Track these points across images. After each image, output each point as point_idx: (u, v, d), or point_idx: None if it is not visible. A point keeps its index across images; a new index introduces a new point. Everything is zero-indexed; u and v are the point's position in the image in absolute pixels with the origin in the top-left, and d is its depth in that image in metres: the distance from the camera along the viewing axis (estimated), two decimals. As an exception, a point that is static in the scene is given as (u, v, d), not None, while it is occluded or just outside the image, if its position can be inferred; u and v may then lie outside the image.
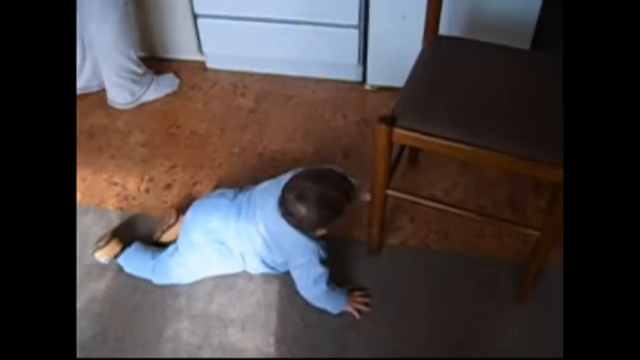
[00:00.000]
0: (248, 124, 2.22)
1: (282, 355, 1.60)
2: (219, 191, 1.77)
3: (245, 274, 1.74)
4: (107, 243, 1.74)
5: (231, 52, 2.39)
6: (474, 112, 1.42)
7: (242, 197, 1.67)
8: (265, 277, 1.74)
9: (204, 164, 2.07)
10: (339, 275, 1.73)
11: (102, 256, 1.75)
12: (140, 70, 2.25)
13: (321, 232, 1.57)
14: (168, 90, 2.34)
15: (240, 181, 1.98)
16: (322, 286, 1.60)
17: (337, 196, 1.52)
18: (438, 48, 1.62)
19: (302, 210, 1.50)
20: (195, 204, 1.74)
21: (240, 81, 2.40)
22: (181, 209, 1.82)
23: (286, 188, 1.54)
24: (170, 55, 2.46)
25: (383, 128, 1.43)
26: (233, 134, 2.18)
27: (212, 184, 2.00)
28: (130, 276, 1.74)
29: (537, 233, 1.51)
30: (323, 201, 1.50)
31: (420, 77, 1.54)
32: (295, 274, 1.63)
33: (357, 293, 1.68)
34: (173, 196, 1.97)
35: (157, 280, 1.72)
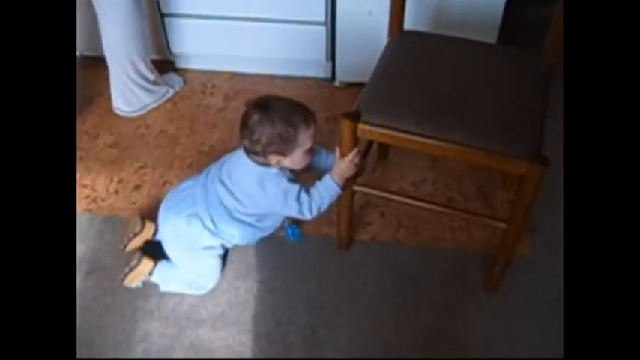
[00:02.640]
0: (217, 123, 2.21)
1: (255, 354, 1.60)
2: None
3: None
4: (139, 262, 1.68)
5: (199, 51, 2.38)
6: (439, 106, 1.42)
7: (211, 167, 1.68)
8: (236, 274, 1.74)
9: (174, 164, 2.07)
10: (308, 271, 1.74)
11: (136, 277, 1.68)
12: (152, 77, 2.22)
13: (275, 158, 1.50)
14: (177, 88, 2.35)
15: (210, 180, 1.98)
16: (306, 197, 1.54)
17: (289, 109, 1.49)
18: (402, 43, 1.63)
19: (255, 118, 1.46)
20: (162, 205, 1.73)
21: (209, 80, 2.39)
22: (147, 215, 1.79)
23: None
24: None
25: (347, 124, 1.43)
26: (202, 133, 2.18)
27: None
28: (99, 278, 1.73)
29: (504, 225, 1.53)
30: (271, 107, 1.48)
31: (384, 72, 1.54)
32: (282, 210, 1.58)
33: (347, 160, 1.53)
34: (143, 197, 1.96)
35: (195, 291, 1.71)
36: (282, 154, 1.49)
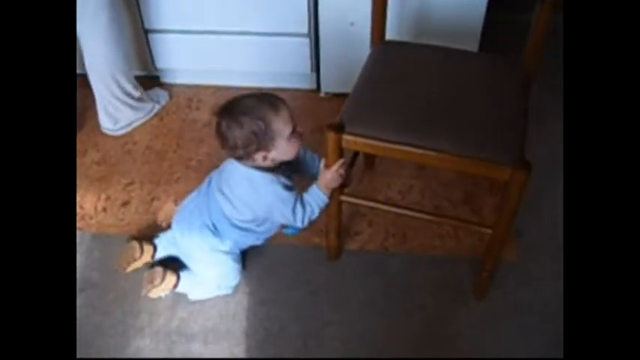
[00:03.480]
0: (204, 137, 2.22)
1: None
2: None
3: (206, 288, 1.74)
4: (163, 280, 1.68)
5: (184, 66, 2.39)
6: (421, 114, 1.44)
7: (212, 175, 1.69)
8: (226, 289, 1.75)
9: (161, 180, 2.07)
10: (299, 282, 1.75)
11: (160, 291, 1.71)
12: (136, 94, 2.22)
13: (261, 155, 1.47)
14: (163, 103, 2.36)
15: (197, 194, 1.99)
16: (300, 209, 1.54)
17: (251, 103, 1.45)
18: (384, 53, 1.65)
19: (224, 125, 1.45)
20: (174, 222, 1.74)
21: (195, 95, 2.40)
22: (139, 232, 1.79)
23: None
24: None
25: (331, 135, 1.44)
26: (189, 148, 2.18)
27: (169, 199, 1.99)
28: (89, 296, 1.73)
29: (490, 231, 1.54)
30: (234, 108, 1.45)
31: (366, 82, 1.56)
32: (280, 218, 1.59)
33: (332, 170, 1.53)
34: (131, 214, 1.96)
35: (227, 290, 1.74)
36: (265, 149, 1.47)
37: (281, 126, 1.45)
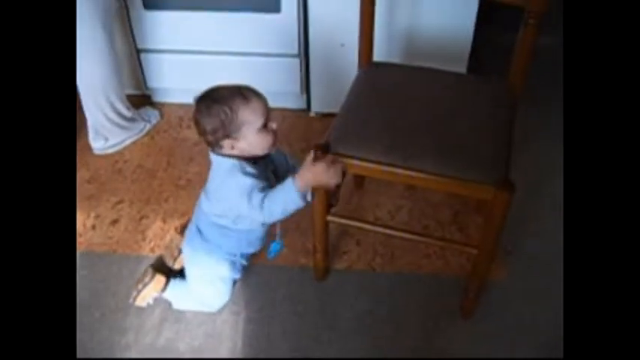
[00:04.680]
0: (194, 156, 2.23)
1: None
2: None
3: (193, 306, 1.74)
4: (152, 278, 1.70)
5: (175, 86, 2.41)
6: (406, 135, 1.45)
7: None
8: (213, 308, 1.75)
9: (151, 198, 2.08)
10: (286, 302, 1.75)
11: (148, 295, 1.71)
12: (128, 114, 2.23)
13: (228, 143, 1.48)
14: (154, 122, 2.37)
15: (186, 213, 1.99)
16: (258, 195, 1.45)
17: (225, 92, 1.49)
18: (371, 74, 1.66)
19: (197, 110, 1.49)
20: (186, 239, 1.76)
21: (186, 113, 2.41)
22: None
23: None
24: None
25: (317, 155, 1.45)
26: (179, 167, 2.19)
27: (158, 217, 2.00)
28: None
29: (475, 251, 1.55)
30: (209, 95, 1.50)
31: (353, 103, 1.57)
32: (236, 206, 1.52)
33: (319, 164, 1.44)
34: (120, 232, 1.97)
35: (211, 308, 1.74)
36: (232, 137, 1.48)
37: (249, 116, 1.47)
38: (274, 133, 1.53)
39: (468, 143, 1.43)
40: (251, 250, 1.73)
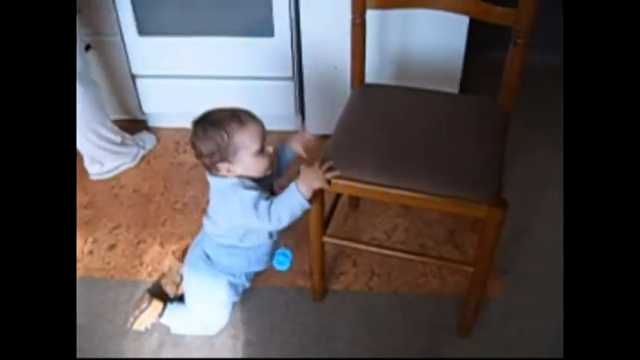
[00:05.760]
0: (191, 180, 2.24)
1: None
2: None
3: (191, 330, 1.74)
4: (149, 304, 1.70)
5: (171, 110, 2.42)
6: (399, 155, 1.46)
7: None
8: (211, 331, 1.75)
9: (148, 222, 2.08)
10: (284, 323, 1.75)
11: (146, 320, 1.70)
12: (118, 139, 2.24)
13: (225, 167, 1.50)
14: (150, 147, 2.39)
15: (183, 236, 2.00)
16: (264, 204, 1.48)
17: (221, 116, 1.50)
18: (363, 95, 1.68)
19: (194, 133, 1.51)
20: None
21: (182, 137, 2.43)
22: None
23: None
24: (113, 117, 2.47)
25: (311, 177, 1.46)
26: (176, 191, 2.20)
27: (156, 242, 2.01)
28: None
29: (471, 269, 1.55)
30: (206, 119, 1.51)
31: (345, 125, 1.59)
32: (243, 220, 1.53)
33: (324, 168, 1.48)
34: (117, 257, 1.97)
35: (211, 331, 1.74)
36: (228, 161, 1.49)
37: (245, 141, 1.48)
38: (269, 157, 1.54)
39: (460, 162, 1.45)
40: (260, 267, 1.75)
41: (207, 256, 1.69)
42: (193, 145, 1.53)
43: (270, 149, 1.53)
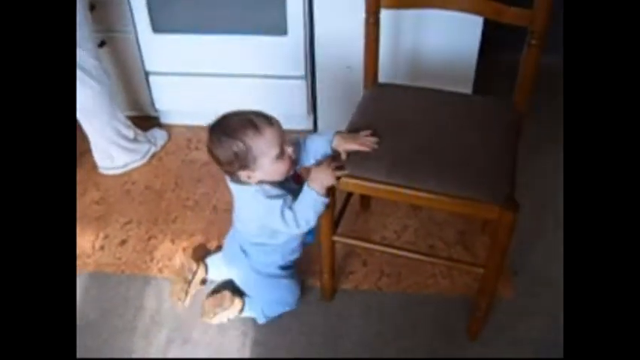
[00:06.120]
0: (202, 177, 2.25)
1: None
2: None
3: (200, 327, 1.75)
4: (231, 303, 1.74)
5: (183, 108, 2.43)
6: (411, 155, 1.46)
7: None
8: (220, 328, 1.75)
9: (159, 219, 2.09)
10: (292, 323, 1.75)
11: (225, 317, 1.75)
12: (131, 134, 2.25)
13: (245, 174, 1.47)
14: (162, 143, 2.40)
15: (194, 233, 2.01)
16: (289, 213, 1.47)
17: (236, 123, 1.45)
18: (376, 95, 1.68)
19: (209, 142, 1.48)
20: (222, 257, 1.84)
21: (194, 135, 2.44)
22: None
23: None
24: (125, 113, 2.48)
25: (323, 176, 1.46)
26: (187, 188, 2.21)
27: (167, 238, 2.01)
28: (84, 334, 1.73)
29: (482, 270, 1.55)
30: (221, 126, 1.46)
31: (358, 124, 1.58)
32: (277, 226, 1.52)
33: (323, 167, 1.49)
34: (128, 252, 1.98)
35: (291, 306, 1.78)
36: (248, 169, 1.46)
37: (263, 148, 1.44)
38: (290, 158, 1.50)
39: (472, 163, 1.44)
40: (295, 256, 1.74)
41: (244, 251, 1.70)
42: (210, 152, 1.49)
43: (289, 150, 1.49)
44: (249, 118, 1.46)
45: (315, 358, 1.64)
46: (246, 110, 1.50)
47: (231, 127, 1.45)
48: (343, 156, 1.49)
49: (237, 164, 1.45)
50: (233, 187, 1.56)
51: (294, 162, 1.53)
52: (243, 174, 1.48)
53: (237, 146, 1.43)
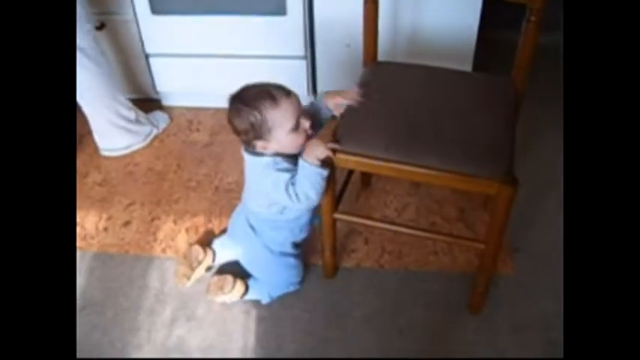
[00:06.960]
0: (204, 158, 2.26)
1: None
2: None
3: (204, 304, 1.77)
4: (233, 287, 1.76)
5: (184, 89, 2.44)
6: (410, 132, 1.47)
7: None
8: (223, 305, 1.77)
9: (162, 200, 2.11)
10: (295, 300, 1.77)
11: (228, 300, 1.78)
12: (132, 116, 2.26)
13: (260, 144, 1.49)
14: (164, 125, 2.41)
15: (197, 214, 2.02)
16: (292, 188, 1.49)
17: (254, 94, 1.49)
18: (375, 73, 1.68)
19: (229, 112, 1.51)
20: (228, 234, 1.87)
21: (195, 116, 2.45)
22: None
23: None
24: (127, 96, 2.49)
25: (323, 154, 1.47)
26: (189, 169, 2.22)
27: (169, 219, 2.03)
28: (89, 314, 1.76)
29: (482, 246, 1.56)
30: (240, 97, 1.50)
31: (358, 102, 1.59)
32: (278, 200, 1.56)
33: (315, 140, 1.52)
34: (132, 233, 2.00)
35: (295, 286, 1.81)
36: (263, 138, 1.49)
37: (279, 119, 1.46)
38: (305, 132, 1.51)
39: (471, 139, 1.45)
40: (304, 235, 1.76)
41: (252, 227, 1.70)
42: (230, 122, 1.52)
43: (306, 124, 1.50)
44: (268, 89, 1.49)
45: (316, 358, 1.66)
46: (267, 82, 1.53)
47: (250, 97, 1.48)
48: (335, 112, 1.57)
49: (252, 134, 1.48)
50: (247, 158, 1.58)
51: (311, 137, 1.54)
52: (259, 144, 1.50)
53: (254, 116, 1.46)
